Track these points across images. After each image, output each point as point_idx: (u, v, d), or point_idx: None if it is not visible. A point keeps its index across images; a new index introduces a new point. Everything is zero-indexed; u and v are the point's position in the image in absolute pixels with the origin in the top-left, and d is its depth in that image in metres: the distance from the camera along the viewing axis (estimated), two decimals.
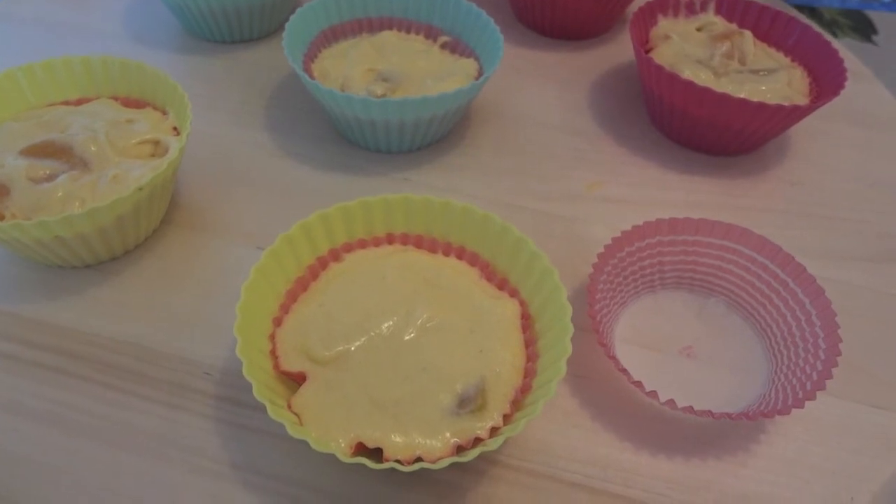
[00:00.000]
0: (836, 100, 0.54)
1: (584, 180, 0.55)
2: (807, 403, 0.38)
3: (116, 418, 0.40)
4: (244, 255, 0.48)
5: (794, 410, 0.37)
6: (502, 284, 0.41)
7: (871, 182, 0.57)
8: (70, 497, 0.37)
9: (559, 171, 0.56)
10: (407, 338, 0.37)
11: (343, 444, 0.33)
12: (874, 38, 1.06)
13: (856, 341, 0.45)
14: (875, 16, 1.09)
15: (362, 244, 0.42)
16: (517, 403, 0.36)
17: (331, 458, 0.37)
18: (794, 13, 0.72)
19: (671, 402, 0.37)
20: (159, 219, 0.49)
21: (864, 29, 1.07)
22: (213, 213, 0.51)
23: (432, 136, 0.55)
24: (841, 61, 0.56)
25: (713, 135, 0.56)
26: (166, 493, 0.37)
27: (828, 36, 0.62)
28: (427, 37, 0.61)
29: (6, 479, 0.37)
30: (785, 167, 0.58)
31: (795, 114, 0.52)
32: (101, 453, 0.38)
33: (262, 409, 0.39)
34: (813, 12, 1.09)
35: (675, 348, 0.44)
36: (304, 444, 0.36)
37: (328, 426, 0.34)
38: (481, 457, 0.38)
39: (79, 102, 0.50)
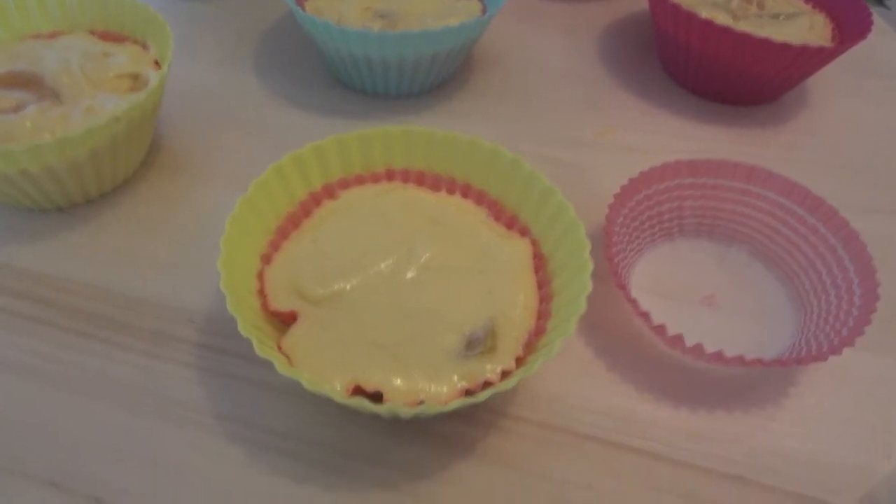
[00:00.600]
0: (854, 51, 0.51)
1: (594, 127, 0.52)
2: (839, 357, 0.34)
3: (93, 368, 0.37)
4: (230, 198, 0.44)
5: (823, 362, 0.34)
6: (511, 223, 0.38)
7: (890, 133, 0.54)
8: (44, 451, 0.33)
9: (567, 118, 0.53)
10: (409, 276, 0.34)
11: (339, 387, 0.30)
12: (887, 2, 1.02)
13: (886, 293, 0.42)
14: None
15: (359, 180, 0.39)
16: (531, 347, 0.33)
17: (324, 409, 0.34)
18: None
19: (698, 348, 0.34)
20: (139, 160, 0.45)
21: None
22: (198, 156, 0.47)
23: (433, 79, 0.52)
24: (865, 7, 0.53)
25: (731, 80, 0.52)
26: (147, 445, 0.34)
27: None
28: None
29: None
30: (804, 118, 0.55)
31: (819, 57, 0.49)
32: (77, 404, 0.35)
33: (250, 357, 0.36)
34: None
35: (696, 297, 0.41)
36: (295, 394, 0.33)
37: (322, 368, 0.31)
38: (488, 408, 0.35)
39: (53, 36, 0.47)
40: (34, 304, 0.39)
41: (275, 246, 0.36)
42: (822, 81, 0.58)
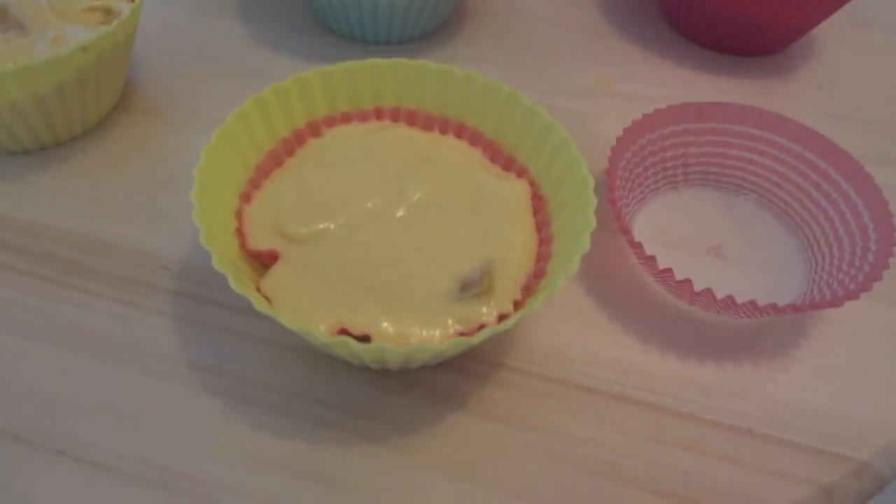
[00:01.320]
0: (859, 3, 0.48)
1: (594, 75, 0.50)
2: (852, 308, 0.33)
3: (61, 316, 0.34)
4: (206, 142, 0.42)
5: (835, 311, 0.32)
6: (509, 164, 0.35)
7: None
8: (12, 403, 0.31)
9: (565, 66, 0.50)
10: (399, 215, 0.32)
11: (323, 329, 0.28)
12: None
13: None
14: None
15: (346, 118, 0.36)
16: (530, 290, 0.31)
17: (306, 358, 0.32)
18: None
19: (708, 293, 0.32)
20: (112, 102, 0.42)
21: None
22: (175, 101, 0.45)
23: (424, 25, 0.49)
24: None
25: (736, 29, 0.50)
26: (118, 397, 0.31)
27: None
28: None
29: None
30: (811, 70, 0.53)
31: (828, 1, 0.47)
32: (45, 353, 0.33)
33: (228, 305, 0.34)
34: None
35: (702, 248, 0.39)
36: (276, 343, 0.31)
37: (305, 309, 0.28)
38: (483, 359, 0.33)
39: None
40: (2, 250, 0.37)
41: (255, 184, 0.33)
42: (828, 34, 0.56)
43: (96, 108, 0.41)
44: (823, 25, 0.55)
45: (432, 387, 0.32)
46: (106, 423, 0.31)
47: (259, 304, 0.26)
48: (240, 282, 0.27)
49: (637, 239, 0.38)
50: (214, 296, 0.34)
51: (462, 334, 0.29)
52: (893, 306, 0.37)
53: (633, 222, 0.39)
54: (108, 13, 0.41)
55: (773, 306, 0.31)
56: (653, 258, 0.33)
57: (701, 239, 0.39)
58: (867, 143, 0.47)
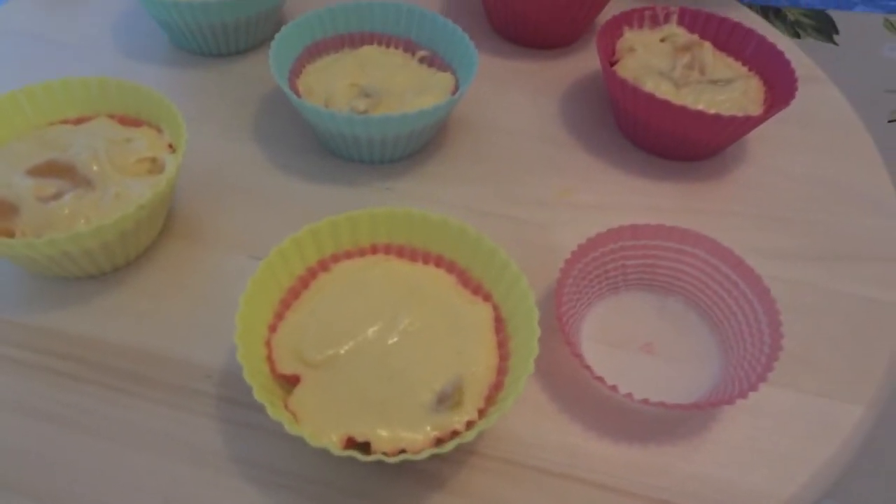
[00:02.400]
0: (791, 103, 0.58)
1: (556, 186, 0.59)
2: (754, 393, 0.42)
3: (123, 418, 0.43)
4: (238, 263, 0.52)
5: (740, 400, 0.42)
6: (477, 290, 0.45)
7: (822, 183, 0.61)
8: (82, 490, 0.40)
9: (532, 178, 0.60)
10: (391, 342, 0.41)
11: (335, 439, 0.37)
12: (835, 37, 1.10)
13: (802, 335, 0.49)
14: (836, 16, 1.13)
15: (349, 255, 0.46)
16: (491, 399, 0.40)
17: (323, 453, 0.41)
18: (753, 23, 0.76)
19: (629, 395, 0.42)
20: (158, 230, 0.52)
21: (826, 29, 1.11)
22: (207, 223, 0.54)
23: (412, 148, 0.59)
24: (793, 71, 0.60)
25: (673, 143, 0.60)
26: (170, 485, 0.41)
27: (784, 43, 0.66)
28: (406, 50, 0.64)
29: (24, 475, 0.41)
30: (741, 171, 0.62)
31: (748, 124, 0.57)
32: (110, 450, 0.42)
33: (260, 408, 0.43)
34: (777, 13, 1.14)
35: (637, 345, 0.48)
36: (298, 440, 0.40)
37: (321, 423, 0.38)
38: (459, 448, 0.42)
39: (78, 121, 0.53)
40: (69, 361, 0.46)
41: (279, 316, 0.43)
42: (761, 135, 0.65)
43: (146, 240, 0.50)
44: (758, 128, 0.65)
45: (420, 472, 0.41)
46: None
47: (290, 426, 0.36)
48: (274, 407, 0.37)
49: (585, 338, 0.48)
50: (249, 400, 0.43)
51: (439, 438, 0.38)
52: (789, 389, 0.46)
53: (582, 323, 0.49)
54: (154, 161, 0.51)
55: (679, 405, 0.41)
56: (589, 367, 0.42)
57: (637, 336, 0.49)
58: (782, 240, 0.56)
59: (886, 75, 1.10)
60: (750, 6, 1.11)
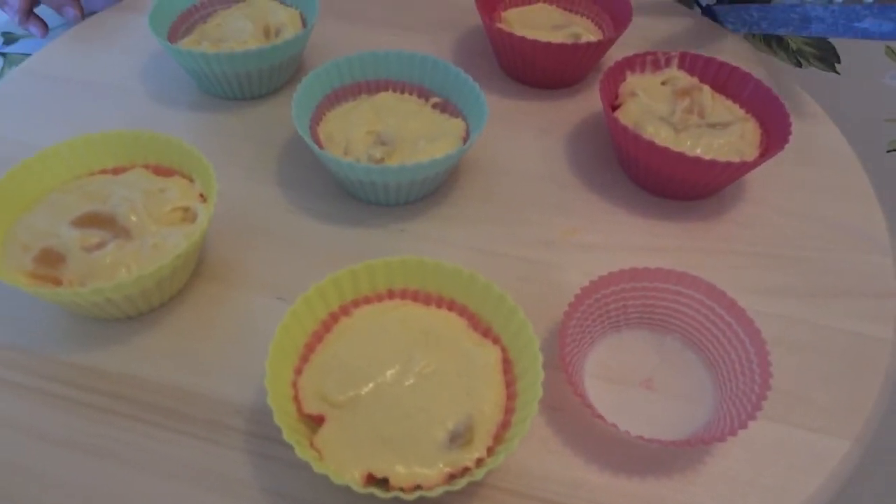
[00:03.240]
0: (791, 142, 0.61)
1: (562, 227, 0.63)
2: (746, 428, 0.45)
3: (158, 450, 0.47)
4: (265, 304, 0.55)
5: (730, 437, 0.45)
6: (486, 332, 0.48)
7: (817, 219, 0.64)
8: None
9: (539, 218, 0.63)
10: (407, 383, 0.45)
11: (356, 475, 0.41)
12: (837, 66, 1.13)
13: (793, 370, 0.53)
14: (839, 44, 1.16)
15: (367, 300, 0.49)
16: (499, 437, 0.43)
17: (346, 487, 0.45)
18: (754, 54, 0.79)
19: (627, 433, 0.45)
20: (190, 274, 0.56)
21: (828, 58, 1.14)
22: (235, 265, 0.58)
23: (425, 192, 0.63)
24: (787, 115, 0.64)
25: (674, 185, 0.63)
26: None
27: (783, 78, 0.69)
28: (420, 96, 0.68)
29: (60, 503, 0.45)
30: (739, 210, 0.66)
31: (743, 168, 0.60)
32: (145, 480, 0.46)
33: (286, 444, 0.47)
34: (780, 42, 1.17)
35: (637, 381, 0.51)
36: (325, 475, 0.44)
37: (344, 460, 0.41)
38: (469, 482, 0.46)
39: (115, 171, 0.58)
40: (110, 398, 0.50)
41: (304, 359, 0.46)
42: (759, 173, 0.68)
43: (180, 284, 0.54)
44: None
45: (432, 503, 0.45)
46: None
47: (316, 465, 0.40)
48: (301, 446, 0.40)
49: (588, 375, 0.51)
50: (277, 435, 0.47)
51: (451, 473, 0.42)
52: (780, 424, 0.49)
53: (585, 361, 0.52)
54: (186, 210, 0.55)
55: (674, 442, 0.44)
56: (591, 405, 0.46)
57: (637, 372, 0.52)
58: (775, 278, 0.59)
59: (887, 104, 1.13)
60: (753, 36, 1.14)
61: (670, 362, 0.53)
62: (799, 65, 1.16)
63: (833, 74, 1.13)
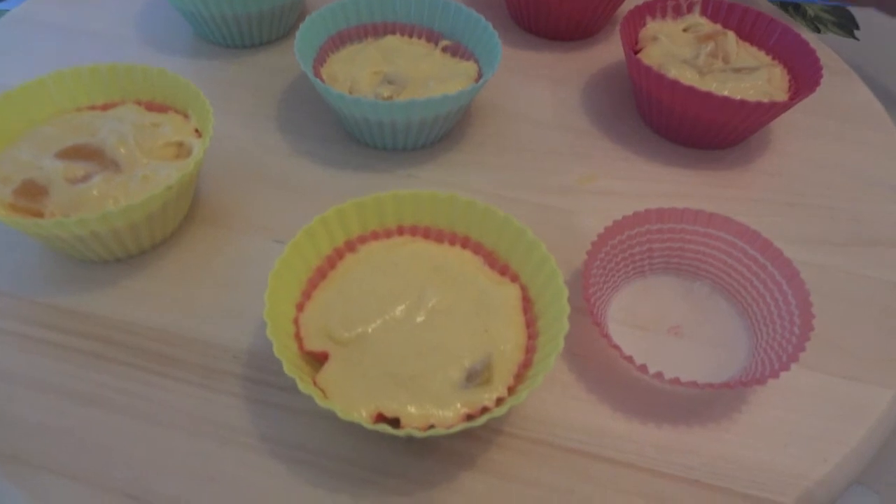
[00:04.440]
0: (814, 95, 0.58)
1: (578, 174, 0.59)
2: (784, 375, 0.41)
3: (152, 397, 0.43)
4: (262, 247, 0.52)
5: (770, 381, 0.41)
6: (504, 271, 0.45)
7: (845, 171, 0.61)
8: (113, 468, 0.40)
9: (554, 166, 0.60)
10: (419, 320, 0.41)
11: (365, 414, 0.37)
12: (856, 33, 1.09)
13: (829, 319, 0.49)
14: (857, 11, 1.13)
15: (375, 236, 0.46)
16: (520, 377, 0.40)
17: (350, 430, 0.41)
18: (776, 14, 0.76)
19: (659, 375, 0.41)
20: (183, 215, 0.52)
21: (846, 24, 1.11)
22: (232, 209, 0.55)
23: (436, 135, 0.59)
24: (817, 59, 0.60)
25: (698, 130, 0.59)
26: (200, 462, 0.41)
27: (806, 35, 0.66)
28: (428, 41, 0.64)
29: (55, 455, 0.41)
30: (766, 159, 0.62)
31: (774, 110, 0.56)
32: (138, 428, 0.42)
33: (287, 388, 0.43)
34: (797, 8, 1.13)
35: (664, 328, 0.48)
36: (326, 418, 0.40)
37: (351, 399, 0.38)
38: (488, 427, 0.42)
39: (105, 107, 0.54)
40: (101, 343, 0.46)
41: (307, 295, 0.43)
42: (785, 124, 0.65)
43: (173, 223, 0.51)
44: (781, 117, 0.64)
45: (448, 451, 0.41)
46: (197, 483, 0.40)
47: (319, 399, 0.36)
48: (304, 382, 0.37)
49: (611, 321, 0.48)
50: (277, 380, 0.44)
51: (469, 415, 0.38)
52: (817, 372, 0.46)
53: (608, 306, 0.49)
54: (180, 146, 0.51)
55: (710, 384, 0.40)
56: (618, 346, 0.42)
57: (663, 320, 0.48)
58: (807, 226, 0.56)
59: None
60: (769, 1, 1.10)
61: (700, 309, 0.49)
62: (817, 30, 1.12)
63: (852, 41, 1.09)
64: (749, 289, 0.48)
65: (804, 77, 0.61)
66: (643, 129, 0.64)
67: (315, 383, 0.39)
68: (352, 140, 0.60)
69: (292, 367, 0.37)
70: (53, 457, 0.41)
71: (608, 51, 0.73)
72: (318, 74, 0.60)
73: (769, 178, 0.60)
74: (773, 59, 0.64)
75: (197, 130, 0.52)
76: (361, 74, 0.58)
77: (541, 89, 0.67)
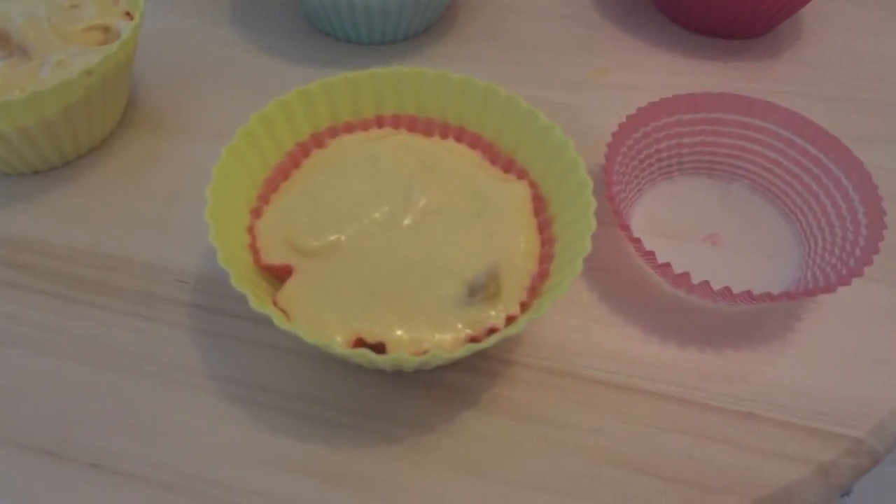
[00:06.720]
0: None
1: (588, 67, 0.50)
2: (844, 291, 0.34)
3: (80, 332, 0.35)
4: (213, 154, 0.42)
5: (832, 293, 0.34)
6: (508, 166, 0.36)
7: (890, 62, 0.53)
8: (41, 420, 0.32)
9: (559, 59, 0.51)
10: (405, 224, 0.33)
11: (340, 340, 0.29)
12: None
13: (892, 222, 0.41)
14: None
15: (348, 128, 0.37)
16: (535, 291, 0.32)
17: (324, 365, 0.33)
18: None
19: (705, 285, 0.33)
20: (116, 119, 0.43)
21: None
22: (178, 111, 0.46)
23: (418, 23, 0.50)
24: None
25: (725, 13, 0.51)
26: (143, 409, 0.33)
27: None
28: None
29: None
30: (799, 50, 0.54)
31: None
32: (67, 370, 0.34)
33: (245, 316, 0.35)
34: None
35: (699, 236, 0.40)
36: (294, 352, 0.33)
37: (321, 321, 0.30)
38: (492, 357, 0.34)
39: None
40: (15, 269, 0.38)
41: (264, 198, 0.34)
42: (816, 13, 0.57)
43: (102, 126, 0.42)
44: (812, 4, 0.56)
45: (445, 386, 0.33)
46: (134, 434, 0.32)
47: (279, 320, 0.27)
48: (258, 299, 0.28)
49: (635, 230, 0.40)
50: (231, 307, 0.36)
51: (472, 338, 0.30)
52: (883, 285, 0.38)
53: (630, 213, 0.40)
54: (107, 31, 0.42)
55: (769, 295, 0.33)
56: (652, 253, 0.34)
57: (697, 227, 0.41)
58: (859, 122, 0.48)
59: None
60: None
61: (739, 214, 0.41)
62: None
63: None
64: (797, 188, 0.40)
65: None
66: (659, 17, 0.55)
67: (276, 304, 0.31)
68: (320, 34, 0.51)
69: (243, 279, 0.29)
70: None
71: None
72: None
73: (804, 68, 0.52)
74: None
75: (129, 13, 0.43)
76: None
77: None
